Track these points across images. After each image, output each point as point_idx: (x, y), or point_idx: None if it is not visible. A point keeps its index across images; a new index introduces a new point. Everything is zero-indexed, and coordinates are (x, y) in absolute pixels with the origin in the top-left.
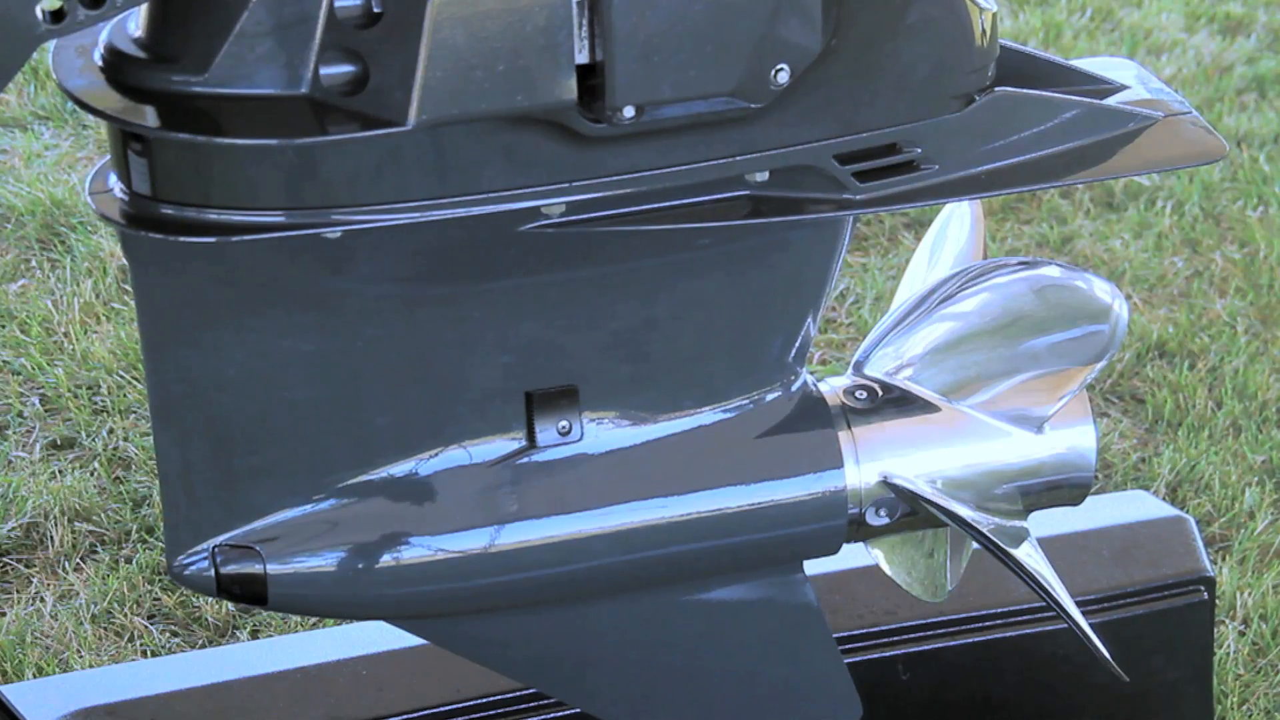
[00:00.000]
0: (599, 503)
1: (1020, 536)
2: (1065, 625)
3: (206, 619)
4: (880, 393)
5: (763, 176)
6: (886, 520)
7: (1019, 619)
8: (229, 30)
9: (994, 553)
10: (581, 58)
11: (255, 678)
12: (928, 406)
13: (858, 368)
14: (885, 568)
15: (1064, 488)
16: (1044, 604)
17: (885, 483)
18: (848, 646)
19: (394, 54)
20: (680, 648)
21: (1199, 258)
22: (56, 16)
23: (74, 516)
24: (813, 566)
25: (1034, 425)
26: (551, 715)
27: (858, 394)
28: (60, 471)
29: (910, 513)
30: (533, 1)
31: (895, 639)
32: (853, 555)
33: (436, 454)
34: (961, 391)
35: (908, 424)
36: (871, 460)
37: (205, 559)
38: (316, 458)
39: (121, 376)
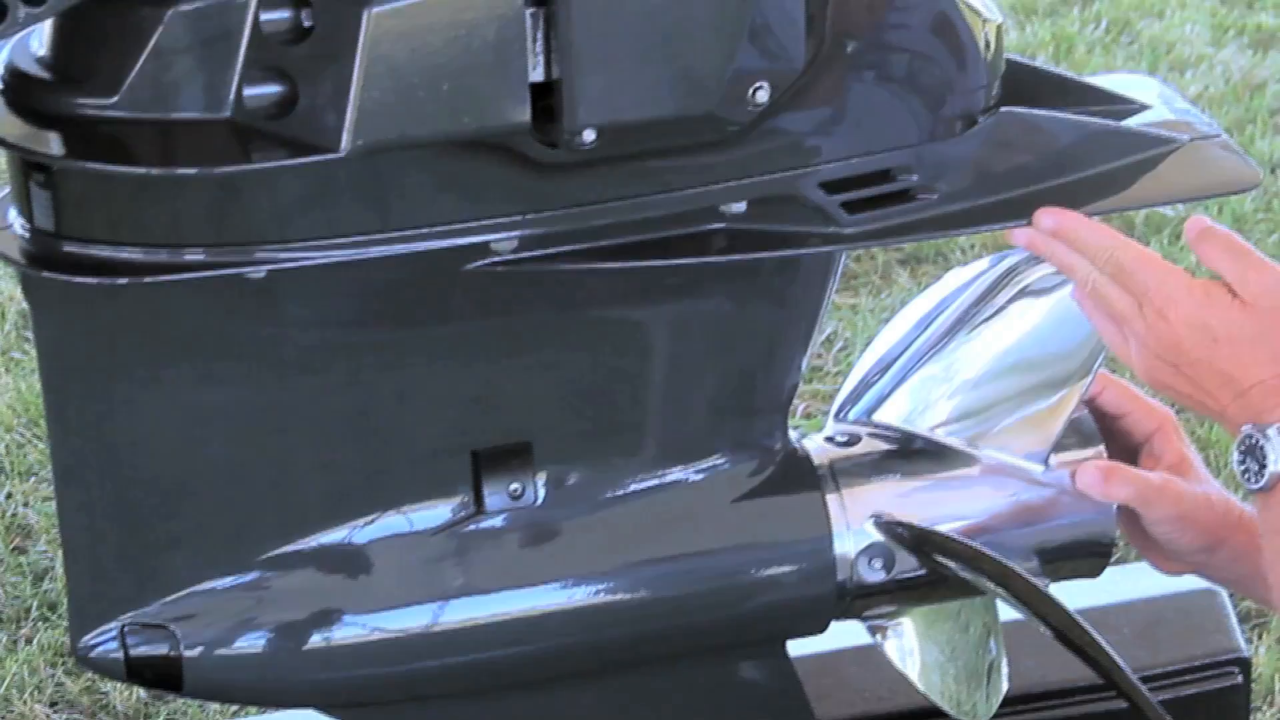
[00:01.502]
0: (554, 575)
1: None
2: (1086, 710)
3: (115, 707)
4: (867, 441)
5: (739, 207)
6: (882, 573)
7: (1033, 705)
8: (142, 47)
9: (1025, 603)
10: (536, 75)
11: None
12: (924, 452)
13: (841, 414)
14: (915, 677)
15: (1083, 541)
16: (1060, 689)
17: (877, 524)
18: None
19: (325, 73)
20: None
21: None
22: None
23: None
24: (799, 647)
25: (1039, 458)
26: None
27: (843, 445)
28: None
29: (909, 577)
30: (481, 13)
31: None
32: (843, 635)
33: (372, 520)
34: (960, 429)
35: (901, 473)
36: (861, 518)
37: (114, 639)
38: (239, 525)
39: (21, 434)
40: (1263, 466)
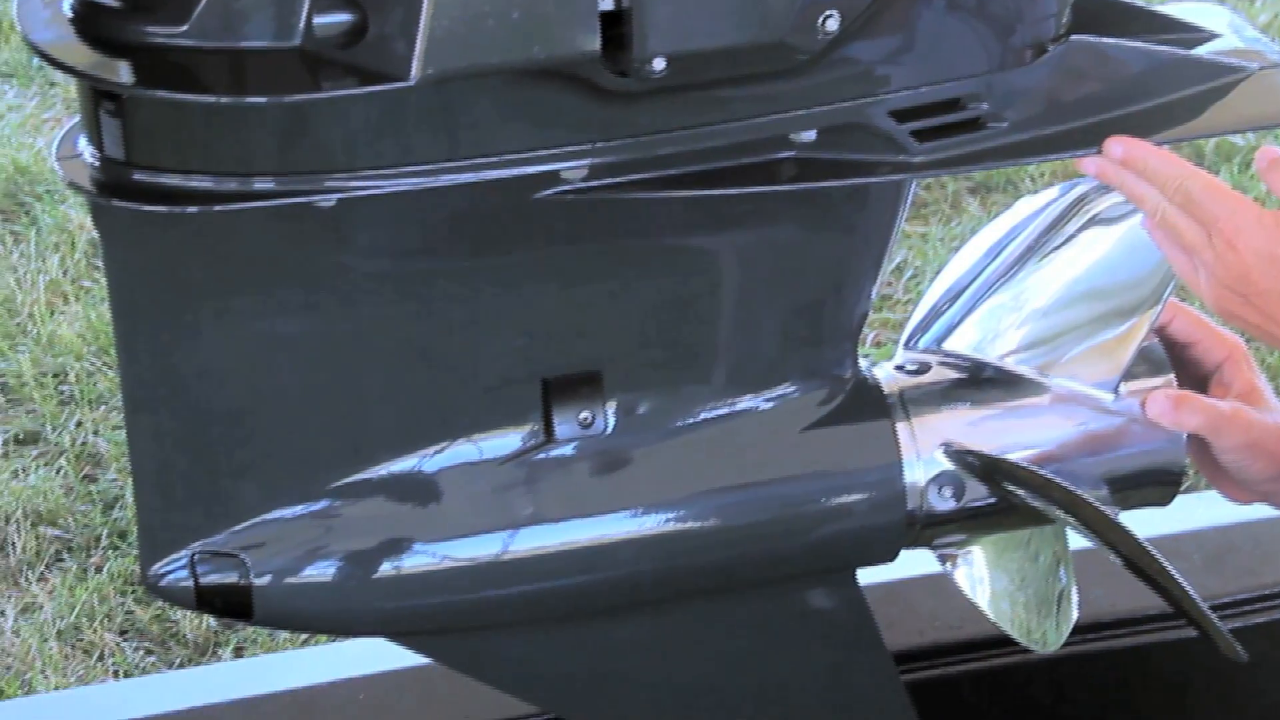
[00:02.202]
0: (625, 504)
1: None
2: (1155, 639)
3: (185, 635)
4: (937, 370)
5: (809, 136)
6: (952, 502)
7: (1102, 633)
8: None
9: (1095, 531)
10: (606, 3)
11: (239, 701)
12: (994, 380)
13: (910, 343)
14: (985, 605)
15: (1152, 470)
16: (1130, 617)
17: (947, 453)
18: (906, 666)
19: (395, 1)
20: (715, 668)
21: None
22: None
23: (38, 520)
24: (868, 575)
25: (1109, 387)
26: None
27: (913, 374)
28: (23, 470)
29: (979, 505)
30: None
31: (960, 656)
32: (912, 563)
33: (442, 449)
34: (1029, 358)
35: (971, 401)
36: (930, 446)
37: (184, 568)
38: (309, 453)
39: (91, 363)
40: None
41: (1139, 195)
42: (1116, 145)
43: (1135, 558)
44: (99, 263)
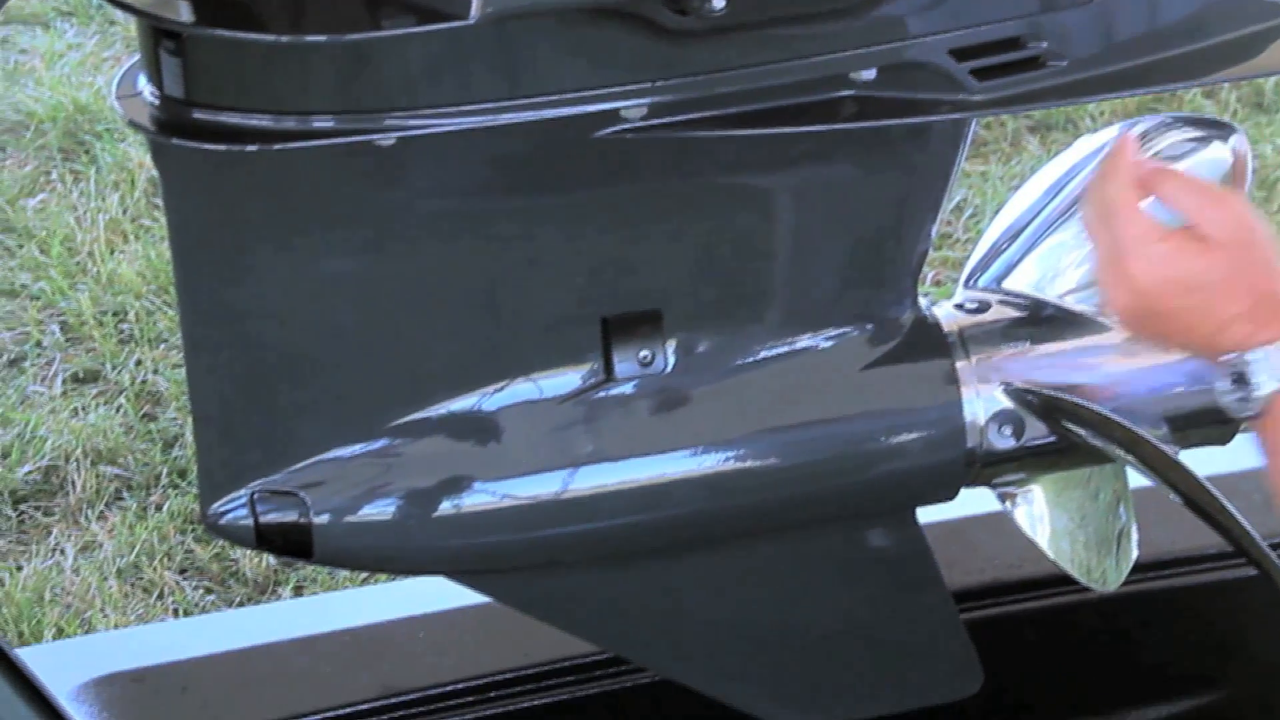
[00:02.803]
0: (684, 442)
1: None
2: (1214, 578)
3: (245, 574)
4: (997, 308)
5: (869, 75)
6: (1012, 440)
7: (1162, 572)
8: None
9: (1154, 469)
10: None
11: (299, 640)
12: (1054, 319)
13: (970, 282)
14: (1045, 543)
15: (1212, 408)
16: (1189, 556)
17: (1007, 391)
18: (966, 604)
19: None
20: (773, 607)
21: None
22: None
23: (97, 459)
24: (928, 515)
25: None
26: (630, 682)
27: (973, 312)
28: (83, 408)
29: (1039, 444)
30: None
31: (1019, 595)
32: (972, 502)
33: (502, 388)
34: (1089, 296)
35: (1031, 340)
36: (990, 385)
37: (244, 506)
38: (368, 392)
39: (150, 301)
40: (1251, 391)
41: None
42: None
43: (1195, 496)
44: (159, 201)
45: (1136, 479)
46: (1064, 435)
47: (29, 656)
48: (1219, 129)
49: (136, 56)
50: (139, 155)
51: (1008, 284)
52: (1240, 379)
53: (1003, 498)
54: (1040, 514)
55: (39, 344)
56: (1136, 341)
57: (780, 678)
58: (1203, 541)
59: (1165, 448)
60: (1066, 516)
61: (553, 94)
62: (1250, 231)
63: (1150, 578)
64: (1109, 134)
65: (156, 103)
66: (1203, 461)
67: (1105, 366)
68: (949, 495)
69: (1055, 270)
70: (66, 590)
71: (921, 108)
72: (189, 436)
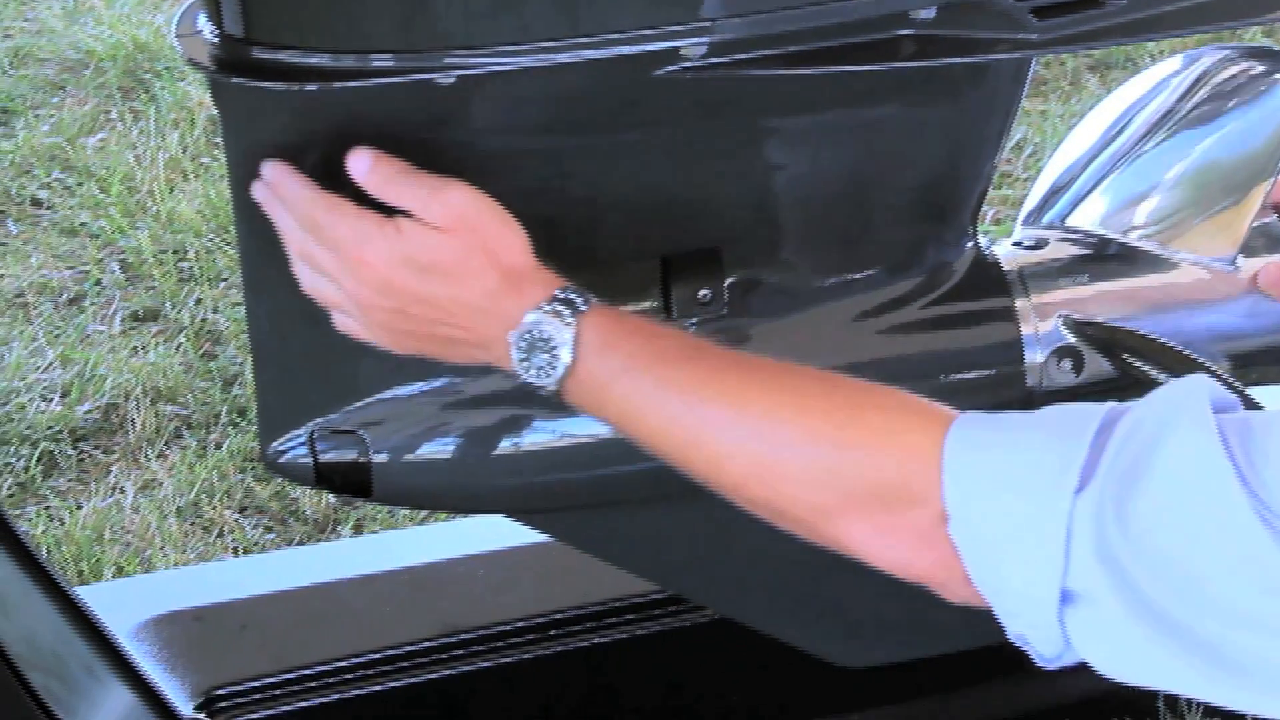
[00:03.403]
0: None
1: None
2: None
3: (304, 512)
4: (1056, 245)
5: (929, 13)
6: (1072, 375)
7: None
8: None
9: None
10: None
11: (358, 578)
12: (1112, 255)
13: (1029, 220)
14: None
15: (1274, 346)
16: None
17: (1066, 325)
18: None
19: None
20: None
21: None
22: None
23: (157, 397)
24: None
25: (1228, 261)
26: (689, 620)
27: (1031, 249)
28: (142, 347)
29: (1100, 379)
30: None
31: None
32: None
33: None
34: (1148, 232)
35: (1090, 275)
36: (1050, 320)
37: (303, 445)
38: None
39: (211, 240)
40: (555, 356)
41: (282, 230)
42: (265, 173)
43: None
44: (218, 140)
45: None
46: (1125, 370)
47: (89, 595)
48: None
49: None
50: (198, 94)
51: (1068, 221)
52: (535, 347)
53: None
54: None
55: (99, 282)
56: (1195, 277)
57: (834, 616)
58: None
59: (1231, 380)
60: None
61: (612, 32)
62: (475, 215)
63: None
64: (1170, 67)
65: (216, 41)
66: (1265, 399)
67: (1166, 303)
68: None
69: (1114, 206)
70: (126, 529)
71: (981, 46)
72: (249, 375)
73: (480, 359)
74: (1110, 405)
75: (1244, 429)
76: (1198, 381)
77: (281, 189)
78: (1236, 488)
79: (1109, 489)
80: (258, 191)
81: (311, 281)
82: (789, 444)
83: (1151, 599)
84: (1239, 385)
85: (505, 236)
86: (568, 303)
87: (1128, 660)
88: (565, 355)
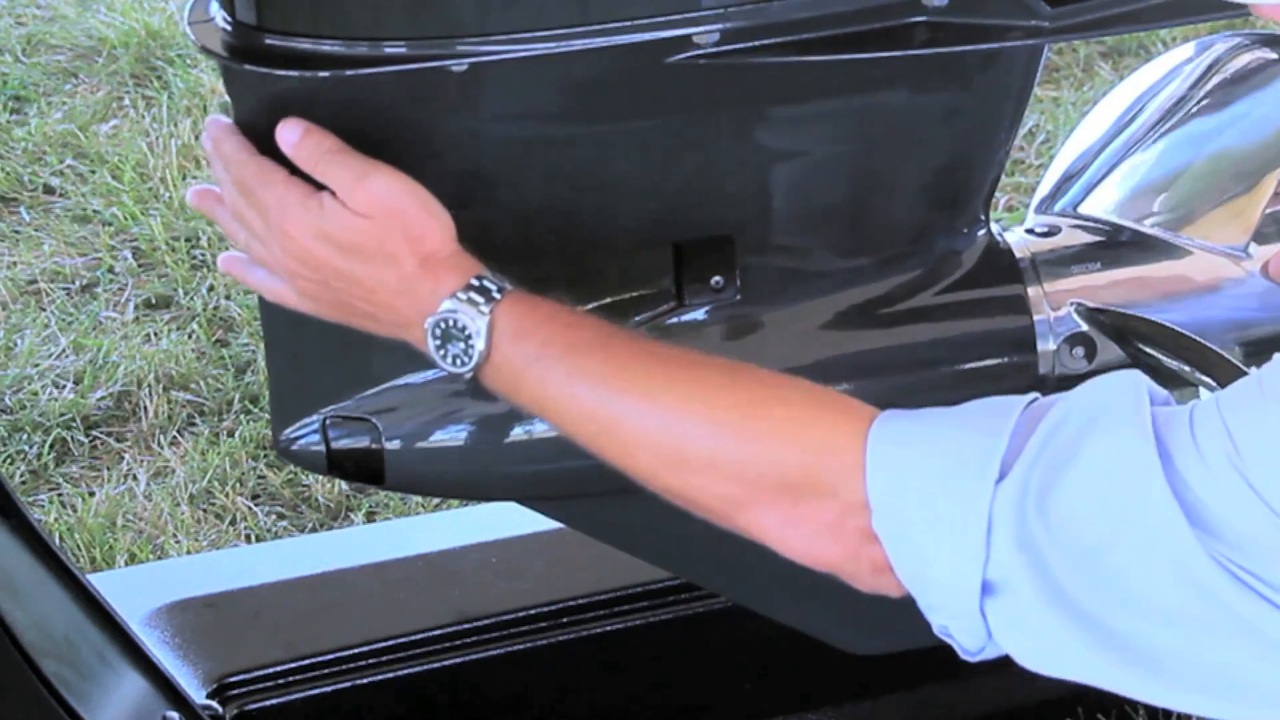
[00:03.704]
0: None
1: None
2: None
3: (317, 499)
4: (1068, 232)
5: (942, 0)
6: (1084, 362)
7: None
8: None
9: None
10: None
11: (371, 566)
12: (1124, 242)
13: (1042, 207)
14: None
15: None
16: None
17: (1079, 312)
18: None
19: None
20: None
21: None
22: None
23: (170, 384)
24: None
25: (1240, 249)
26: (702, 607)
27: (1044, 236)
28: (155, 334)
29: (1112, 366)
30: None
31: None
32: None
33: None
34: (1161, 219)
35: (1102, 262)
36: (1062, 308)
37: (315, 432)
38: None
39: None
40: (470, 345)
41: (220, 185)
42: (209, 128)
43: None
44: None
45: None
46: (1137, 357)
47: (101, 582)
48: None
49: None
50: (211, 81)
51: (1080, 209)
52: (449, 335)
53: None
54: None
55: (111, 270)
56: (1206, 264)
57: (845, 603)
58: None
59: (1244, 367)
60: None
61: (625, 20)
62: (397, 202)
63: None
64: (1183, 54)
65: (228, 28)
66: None
67: (1179, 290)
68: None
69: (1126, 194)
70: (138, 516)
71: (994, 34)
72: (261, 362)
73: (403, 338)
74: (1034, 396)
75: (1177, 420)
76: (1133, 376)
77: (221, 146)
78: (1160, 480)
79: (1034, 478)
80: (205, 143)
81: (245, 242)
82: (695, 436)
83: (1067, 589)
84: (1250, 372)
85: (426, 223)
86: (482, 290)
87: (1045, 652)
88: (479, 344)
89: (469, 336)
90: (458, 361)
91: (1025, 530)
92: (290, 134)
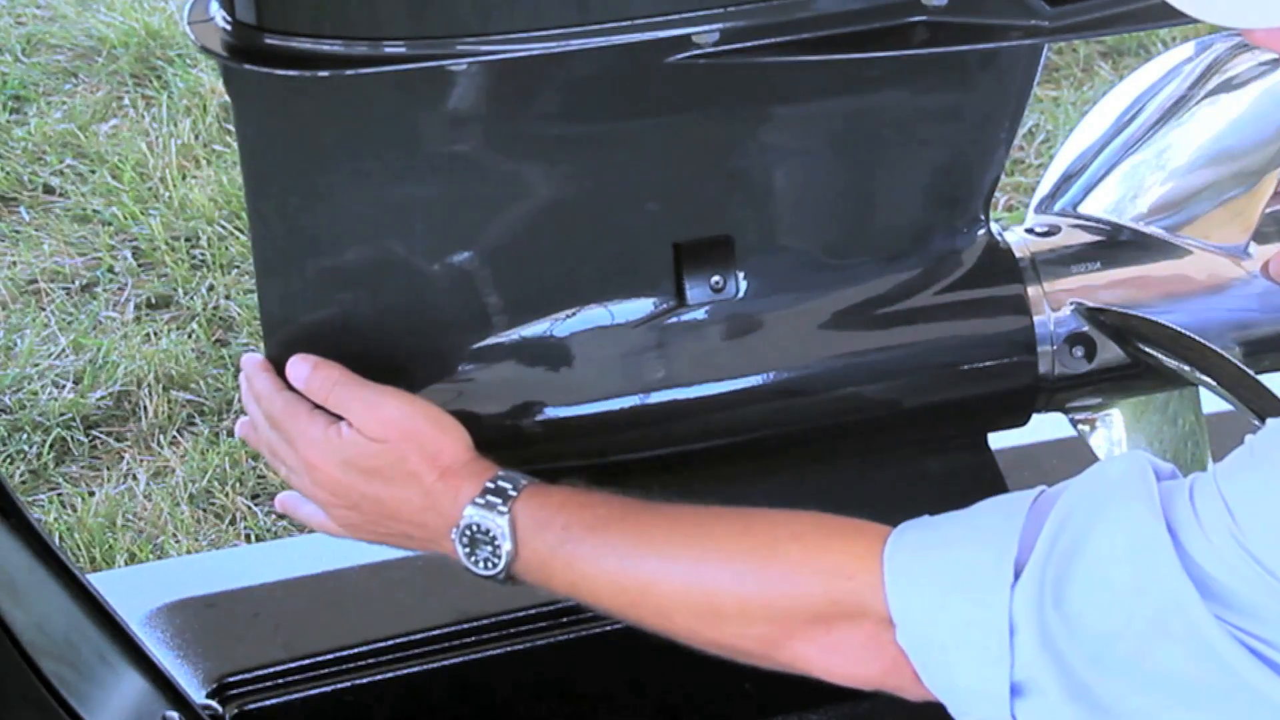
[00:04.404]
0: (756, 368)
1: None
2: None
3: None
4: (1068, 232)
5: (941, 0)
6: (1084, 362)
7: None
8: None
9: (1230, 389)
10: None
11: (370, 566)
12: (1124, 241)
13: (1042, 206)
14: None
15: None
16: None
17: (1079, 312)
18: None
19: None
20: None
21: None
22: None
23: (170, 384)
24: (999, 440)
25: (1239, 249)
26: None
27: (1044, 236)
28: (155, 333)
29: (1112, 366)
30: None
31: None
32: (1043, 427)
33: (574, 314)
34: (1161, 219)
35: (1102, 262)
36: (1062, 307)
37: None
38: (439, 318)
39: (223, 227)
40: (496, 546)
41: (253, 418)
42: (243, 366)
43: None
44: (230, 126)
45: (1211, 406)
46: (1137, 356)
47: (101, 582)
48: None
49: None
50: (211, 81)
51: (1080, 208)
52: (476, 541)
53: (1079, 423)
54: (1117, 439)
55: (111, 269)
56: (1206, 264)
57: None
58: None
59: (1244, 367)
60: (1144, 441)
61: (624, 19)
62: (410, 424)
63: None
64: (1182, 54)
65: (228, 28)
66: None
67: (1179, 290)
68: (1021, 420)
69: (1126, 193)
70: (138, 515)
71: (994, 33)
72: None
73: (439, 551)
74: (1040, 489)
75: (1178, 494)
76: (1136, 456)
77: (253, 383)
78: (1170, 556)
79: (1048, 574)
80: (241, 380)
81: (285, 476)
82: (722, 586)
83: (1088, 681)
84: (1251, 373)
85: (439, 438)
86: (499, 491)
87: None
88: (505, 544)
89: (494, 539)
90: (489, 564)
91: (1045, 628)
92: (300, 371)
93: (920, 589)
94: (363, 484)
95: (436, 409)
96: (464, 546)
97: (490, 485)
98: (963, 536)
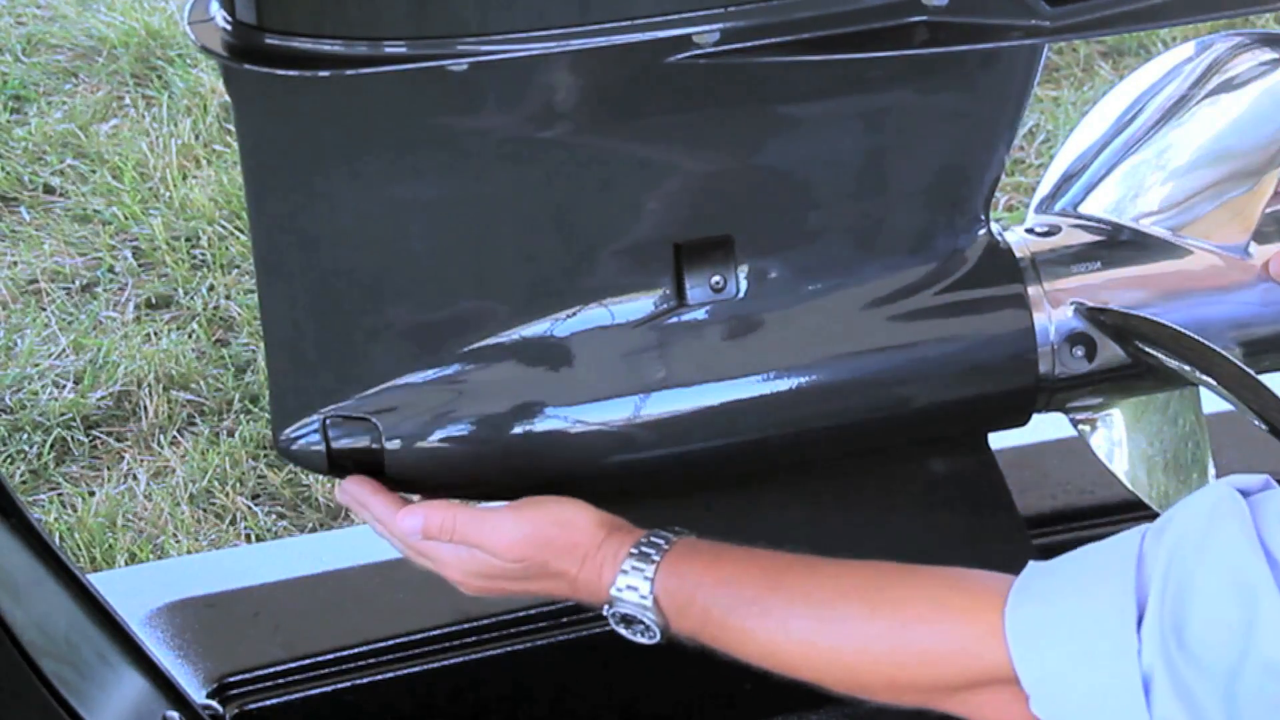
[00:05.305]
0: (756, 368)
1: None
2: None
3: (317, 499)
4: (1068, 232)
5: (941, 0)
6: (1085, 362)
7: None
8: None
9: (1231, 389)
10: None
11: (371, 566)
12: (1125, 241)
13: (1042, 206)
14: (1121, 470)
15: None
16: None
17: (1079, 312)
18: (1038, 530)
19: None
20: (845, 533)
21: None
22: None
23: (170, 384)
24: (1000, 440)
25: (1240, 248)
26: None
27: (1044, 236)
28: (155, 334)
29: (1113, 366)
30: None
31: (1092, 521)
32: (1045, 427)
33: (574, 314)
34: (1161, 219)
35: (1102, 262)
36: (1062, 307)
37: (315, 431)
38: (440, 318)
39: (224, 227)
40: (648, 627)
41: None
42: (347, 491)
43: (1274, 418)
44: (231, 126)
45: (1211, 406)
46: (1138, 356)
47: (101, 582)
48: None
49: None
50: (211, 80)
51: (1080, 208)
52: (629, 621)
53: (1079, 423)
54: (1118, 439)
55: (111, 269)
56: (1207, 264)
57: None
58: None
59: (1244, 367)
60: (1144, 441)
61: (625, 19)
62: (537, 536)
63: None
64: (1183, 53)
65: (229, 28)
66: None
67: (1179, 289)
68: (1022, 420)
69: (1127, 193)
70: (138, 516)
71: (994, 33)
72: (261, 362)
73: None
74: (1145, 529)
75: (1271, 513)
76: (1223, 487)
77: (369, 509)
78: (1269, 585)
79: (1166, 620)
80: (352, 506)
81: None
82: (862, 673)
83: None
84: (1251, 373)
85: (571, 538)
86: (637, 569)
87: None
88: (656, 626)
89: (646, 624)
90: (648, 636)
91: (1177, 676)
92: (412, 524)
93: (1046, 658)
94: (513, 585)
95: (554, 502)
96: (619, 625)
97: (626, 568)
98: (1078, 590)
